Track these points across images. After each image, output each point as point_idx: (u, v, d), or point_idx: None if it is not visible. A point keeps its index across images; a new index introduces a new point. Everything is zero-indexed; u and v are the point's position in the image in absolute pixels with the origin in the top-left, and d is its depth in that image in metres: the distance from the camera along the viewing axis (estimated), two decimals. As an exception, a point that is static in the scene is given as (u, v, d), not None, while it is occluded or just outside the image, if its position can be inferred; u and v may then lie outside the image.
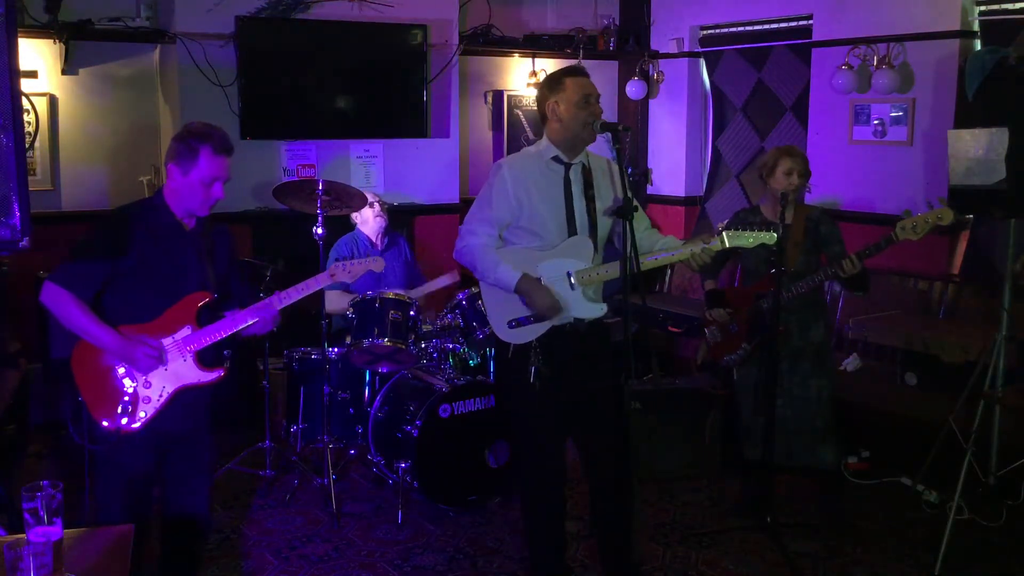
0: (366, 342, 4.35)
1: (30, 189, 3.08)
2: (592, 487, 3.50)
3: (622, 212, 3.02)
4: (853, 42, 5.70)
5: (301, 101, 5.83)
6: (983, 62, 4.37)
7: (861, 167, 5.84)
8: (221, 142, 2.90)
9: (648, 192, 7.48)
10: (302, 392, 4.67)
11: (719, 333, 4.23)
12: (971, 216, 5.13)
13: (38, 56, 5.36)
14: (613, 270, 3.24)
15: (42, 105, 5.39)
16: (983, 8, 5.31)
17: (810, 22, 6.13)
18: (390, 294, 4.46)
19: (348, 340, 4.44)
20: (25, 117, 4.99)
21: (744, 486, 4.41)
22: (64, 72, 5.44)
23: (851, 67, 5.67)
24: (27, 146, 4.98)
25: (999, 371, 4.02)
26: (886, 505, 4.41)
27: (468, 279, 5.02)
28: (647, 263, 3.21)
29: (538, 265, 3.25)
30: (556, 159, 3.28)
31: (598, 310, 3.32)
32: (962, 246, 5.44)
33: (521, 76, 7.00)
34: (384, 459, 4.45)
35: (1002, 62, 4.27)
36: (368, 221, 4.94)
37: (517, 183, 3.24)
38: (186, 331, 2.93)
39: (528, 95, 6.88)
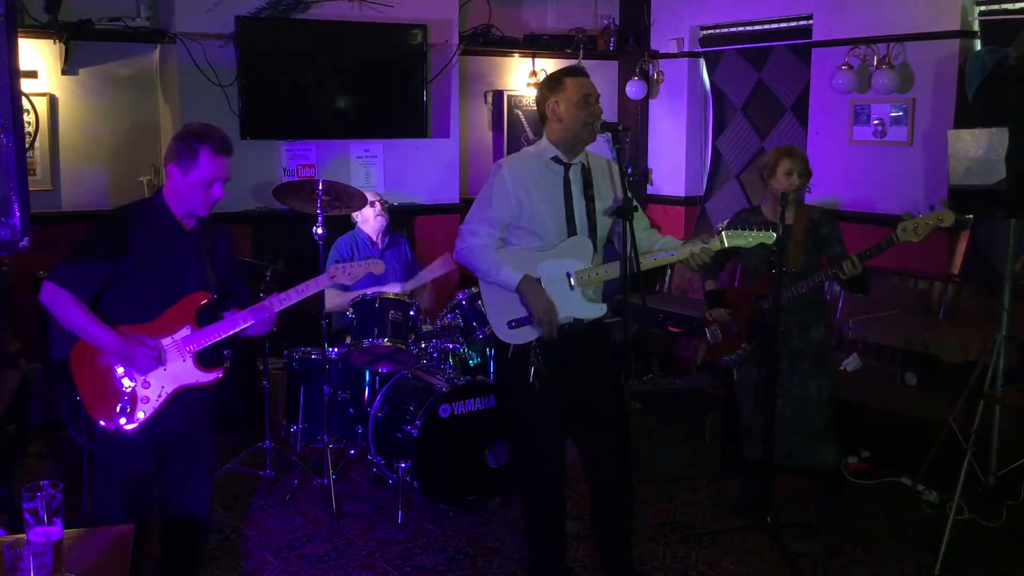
0: (366, 342, 4.35)
1: (30, 189, 3.08)
2: (592, 487, 3.50)
3: (622, 212, 3.02)
4: (853, 42, 5.71)
5: (301, 101, 5.83)
6: (983, 62, 4.36)
7: (861, 167, 5.84)
8: (221, 142, 2.90)
9: (648, 192, 7.48)
10: (302, 392, 4.66)
11: (720, 333, 4.24)
12: (971, 216, 5.13)
13: (38, 56, 5.36)
14: (613, 270, 3.24)
15: (42, 105, 5.40)
16: (983, 8, 5.31)
17: (810, 22, 6.13)
18: (390, 294, 4.46)
19: (348, 340, 4.44)
20: (25, 117, 4.98)
21: (744, 486, 4.41)
22: (64, 72, 5.44)
23: (851, 67, 5.67)
24: (27, 146, 4.97)
25: (999, 371, 4.02)
26: (886, 505, 4.41)
27: (468, 279, 5.02)
28: (646, 263, 3.21)
29: (538, 265, 3.25)
30: (556, 159, 3.28)
31: (598, 310, 3.32)
32: (962, 246, 5.45)
33: (521, 76, 7.00)
34: (384, 459, 4.45)
35: (1002, 62, 4.26)
36: (369, 220, 4.94)
37: (517, 183, 3.24)
38: (186, 331, 2.93)
39: (528, 95, 6.88)
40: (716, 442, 4.77)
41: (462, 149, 6.64)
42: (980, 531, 4.08)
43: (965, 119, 5.01)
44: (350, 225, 5.04)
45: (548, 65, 6.83)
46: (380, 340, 4.33)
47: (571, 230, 3.28)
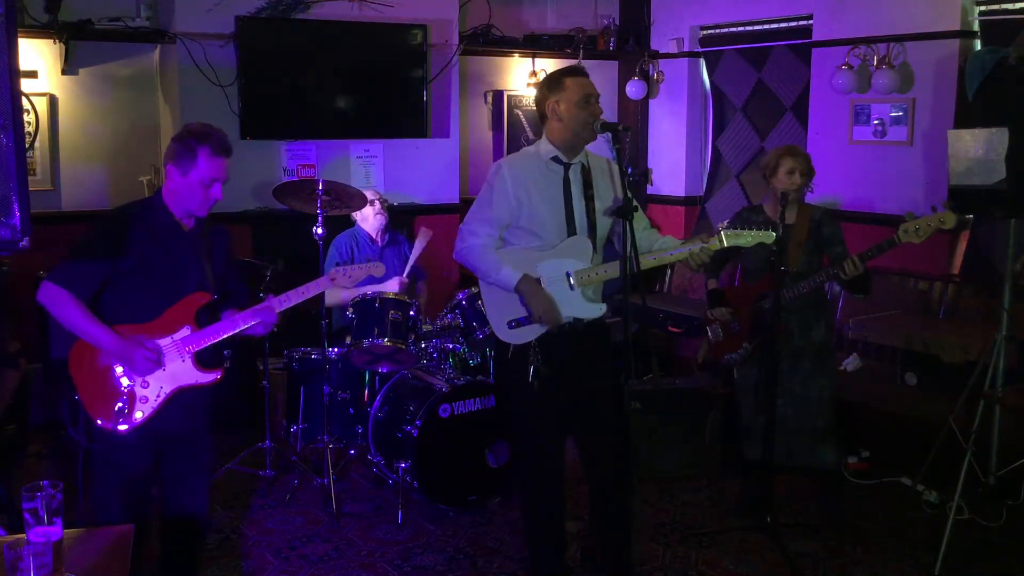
0: (366, 342, 4.35)
1: (30, 189, 3.08)
2: (592, 487, 3.50)
3: (622, 212, 3.02)
4: (853, 42, 5.70)
5: (301, 101, 5.83)
6: (983, 62, 4.36)
7: (861, 167, 5.84)
8: (220, 143, 2.90)
9: (648, 192, 7.48)
10: (302, 392, 4.66)
11: (721, 332, 4.24)
12: (971, 216, 5.13)
13: (38, 56, 5.36)
14: (612, 270, 3.24)
15: (42, 105, 5.39)
16: (983, 8, 5.31)
17: (810, 22, 6.13)
18: (390, 294, 4.46)
19: (348, 340, 4.44)
20: (25, 117, 4.99)
21: (744, 486, 4.41)
22: (64, 72, 5.44)
23: (851, 67, 5.67)
24: (27, 146, 4.98)
25: (999, 371, 4.01)
26: (886, 505, 4.41)
27: (468, 279, 5.02)
28: (646, 263, 3.20)
29: (537, 265, 3.25)
30: (556, 159, 3.28)
31: (597, 310, 3.32)
32: (962, 246, 5.45)
33: (521, 76, 7.00)
34: (384, 459, 4.45)
35: (1002, 62, 4.26)
36: (368, 218, 4.94)
37: (517, 183, 3.24)
38: (185, 332, 2.93)
39: (528, 95, 6.88)
40: (716, 442, 4.77)
41: (462, 149, 6.64)
42: (980, 531, 4.08)
43: (965, 119, 5.01)
44: (350, 224, 5.04)
45: (548, 65, 6.83)
46: (380, 340, 4.33)
47: (571, 230, 3.28)
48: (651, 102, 7.39)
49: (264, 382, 4.71)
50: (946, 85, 5.37)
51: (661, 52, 7.20)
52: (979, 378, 4.05)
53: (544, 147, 3.30)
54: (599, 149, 3.56)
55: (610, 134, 3.20)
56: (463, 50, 6.46)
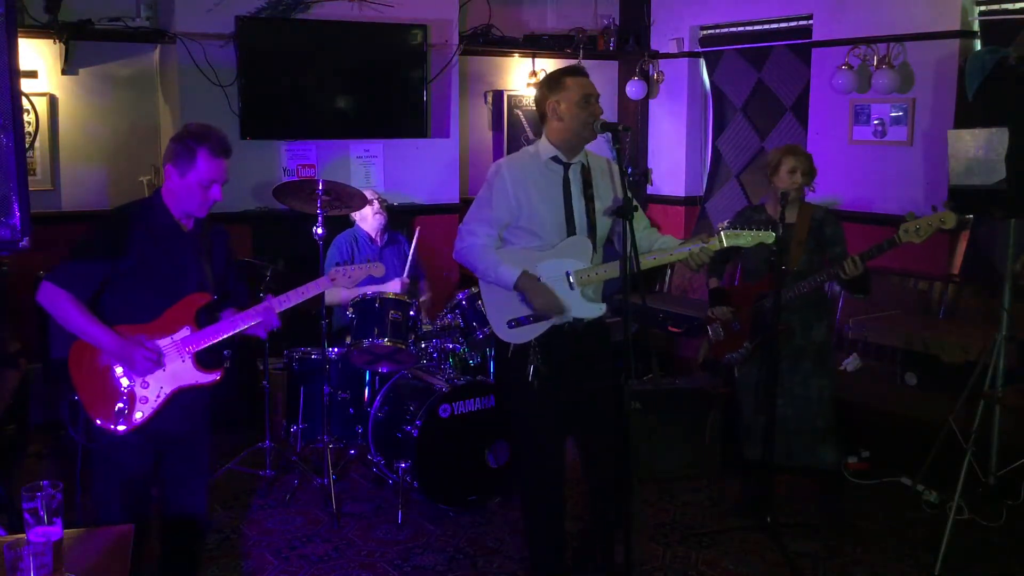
0: (366, 342, 4.35)
1: (30, 189, 3.07)
2: (592, 487, 3.50)
3: (622, 212, 3.02)
4: (853, 42, 5.70)
5: (301, 101, 5.83)
6: (983, 62, 4.36)
7: (861, 167, 5.84)
8: (219, 144, 2.89)
9: (648, 192, 7.47)
10: (302, 392, 4.67)
11: (722, 331, 4.24)
12: (971, 216, 5.13)
13: (38, 56, 5.36)
14: (612, 270, 3.24)
15: (42, 105, 5.39)
16: (983, 8, 5.31)
17: (810, 22, 6.13)
18: (390, 294, 4.46)
19: (348, 340, 4.44)
20: (25, 117, 4.99)
21: (744, 486, 4.41)
22: (64, 72, 5.44)
23: (851, 67, 5.67)
24: (27, 146, 4.98)
25: (999, 371, 4.02)
26: (886, 505, 4.41)
27: (468, 279, 5.02)
28: (645, 262, 3.20)
29: (537, 265, 3.25)
30: (555, 159, 3.28)
31: (597, 310, 3.32)
32: (962, 246, 5.45)
33: (521, 76, 7.00)
34: (384, 459, 4.45)
35: (1002, 62, 4.26)
36: (367, 218, 4.94)
37: (516, 183, 3.24)
38: (185, 332, 2.93)
39: (528, 95, 6.88)
40: (716, 442, 4.77)
41: (462, 149, 6.64)
42: (980, 531, 4.08)
43: (965, 119, 5.01)
44: (349, 224, 5.04)
45: (548, 65, 6.83)
46: (380, 340, 4.33)
47: (570, 230, 3.28)
48: (651, 102, 7.38)
49: (264, 382, 4.71)
50: (946, 85, 5.37)
51: (661, 52, 7.20)
52: (979, 378, 4.05)
53: (544, 147, 3.30)
54: (599, 149, 3.56)
55: (610, 134, 3.19)
56: (463, 50, 6.46)
